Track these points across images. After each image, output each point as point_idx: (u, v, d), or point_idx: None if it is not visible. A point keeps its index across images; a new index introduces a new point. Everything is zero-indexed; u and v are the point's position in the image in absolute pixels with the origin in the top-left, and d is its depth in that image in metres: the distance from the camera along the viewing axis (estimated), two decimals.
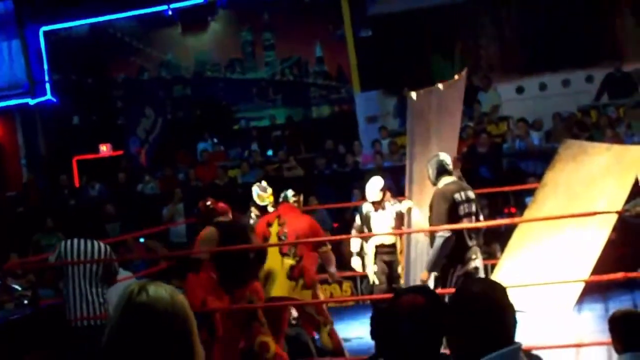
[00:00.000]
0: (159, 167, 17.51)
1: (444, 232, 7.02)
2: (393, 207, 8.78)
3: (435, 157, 7.45)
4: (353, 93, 17.47)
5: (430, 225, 7.31)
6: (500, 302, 2.55)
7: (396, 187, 13.42)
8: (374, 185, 8.83)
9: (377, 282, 8.82)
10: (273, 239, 7.98)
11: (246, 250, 7.46)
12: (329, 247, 8.24)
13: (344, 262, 9.97)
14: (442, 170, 7.35)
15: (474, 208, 7.34)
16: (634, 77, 15.08)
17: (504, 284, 2.64)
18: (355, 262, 9.00)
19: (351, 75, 17.41)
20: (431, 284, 7.30)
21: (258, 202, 8.84)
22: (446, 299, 5.59)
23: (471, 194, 7.36)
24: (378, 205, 8.79)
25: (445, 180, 7.31)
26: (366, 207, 8.96)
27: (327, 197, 13.87)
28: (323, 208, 13.18)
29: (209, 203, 7.67)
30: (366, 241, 8.90)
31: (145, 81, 19.60)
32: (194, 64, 19.31)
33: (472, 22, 17.27)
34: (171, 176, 16.51)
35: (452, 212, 7.11)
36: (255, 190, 8.91)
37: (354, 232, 9.09)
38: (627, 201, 8.41)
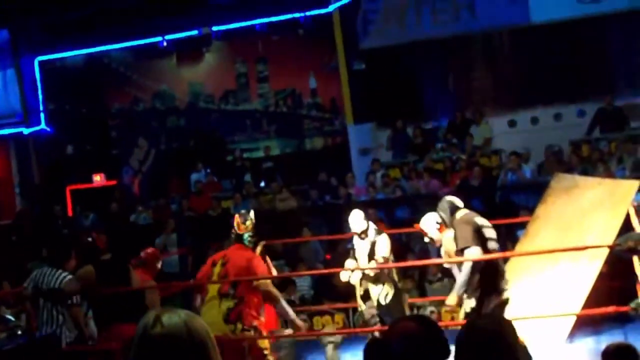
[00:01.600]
0: (153, 197, 17.52)
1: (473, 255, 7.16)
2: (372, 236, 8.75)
3: (443, 201, 7.72)
4: (346, 125, 17.53)
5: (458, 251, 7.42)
6: (510, 339, 2.60)
7: (388, 220, 13.48)
8: (357, 216, 8.70)
9: (366, 314, 8.77)
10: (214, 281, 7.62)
11: (117, 291, 7.59)
12: (268, 282, 7.64)
13: (337, 293, 9.97)
14: (454, 208, 7.57)
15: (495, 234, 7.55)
16: (626, 112, 15.19)
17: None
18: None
19: (344, 107, 17.50)
20: (462, 312, 7.34)
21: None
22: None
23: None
24: (365, 234, 8.69)
25: (461, 212, 7.53)
26: (354, 240, 8.94)
27: (319, 228, 13.90)
28: (316, 239, 13.22)
29: (90, 239, 7.74)
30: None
31: (139, 111, 19.65)
32: (188, 95, 19.39)
33: (465, 55, 17.41)
34: (164, 206, 16.52)
35: (478, 234, 7.27)
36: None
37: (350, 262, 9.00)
38: (619, 235, 8.44)
